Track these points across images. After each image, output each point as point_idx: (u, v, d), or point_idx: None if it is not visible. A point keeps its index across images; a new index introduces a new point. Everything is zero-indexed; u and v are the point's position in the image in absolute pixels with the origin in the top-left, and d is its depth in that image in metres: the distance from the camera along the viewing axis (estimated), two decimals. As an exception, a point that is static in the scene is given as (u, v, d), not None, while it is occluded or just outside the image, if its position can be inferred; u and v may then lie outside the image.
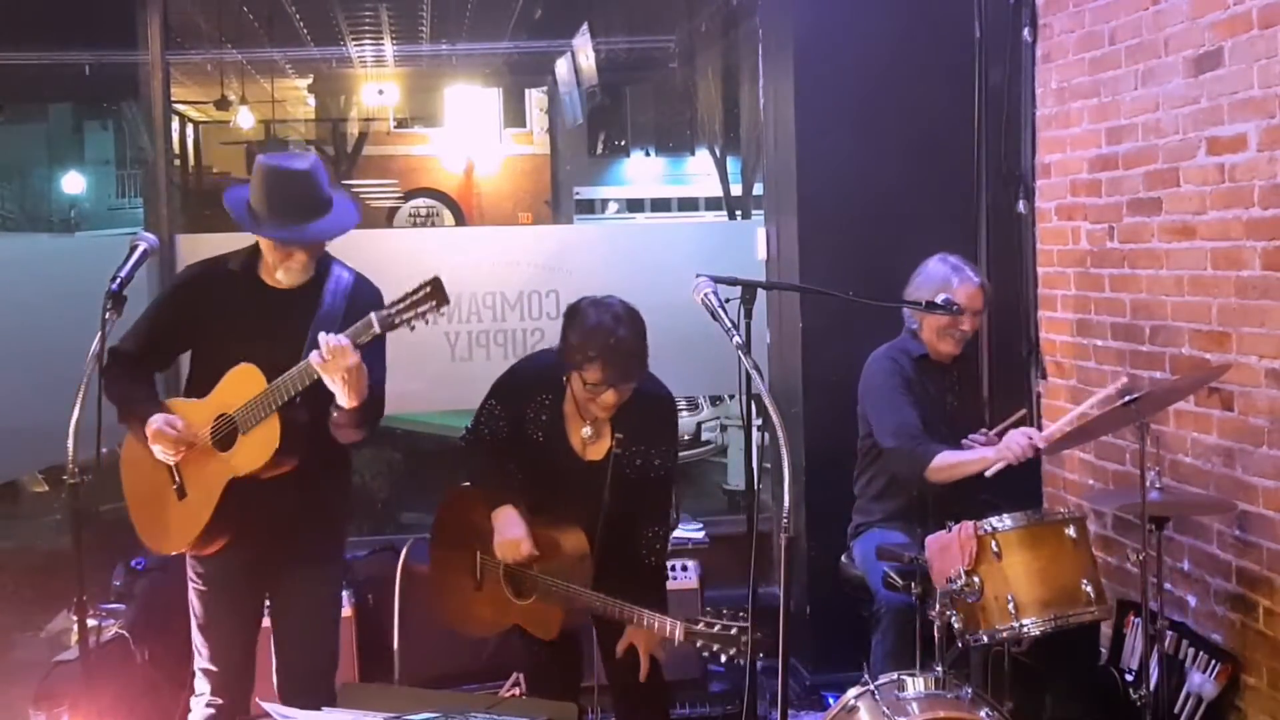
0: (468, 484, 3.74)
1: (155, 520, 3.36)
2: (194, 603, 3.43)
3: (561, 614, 3.51)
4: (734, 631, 3.22)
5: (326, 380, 3.07)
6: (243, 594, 3.42)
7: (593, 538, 3.49)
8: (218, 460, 3.24)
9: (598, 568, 3.48)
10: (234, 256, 3.40)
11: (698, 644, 3.24)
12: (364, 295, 3.33)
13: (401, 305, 3.06)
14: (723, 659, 3.25)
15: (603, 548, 3.49)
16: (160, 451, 3.24)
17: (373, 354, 3.24)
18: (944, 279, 3.98)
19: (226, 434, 3.24)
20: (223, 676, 3.42)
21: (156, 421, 3.23)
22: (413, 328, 3.08)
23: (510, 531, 3.49)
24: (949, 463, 3.81)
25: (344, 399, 3.11)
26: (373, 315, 3.07)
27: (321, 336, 3.06)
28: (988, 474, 3.74)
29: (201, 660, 3.44)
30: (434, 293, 3.05)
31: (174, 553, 3.39)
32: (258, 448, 3.18)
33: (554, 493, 3.56)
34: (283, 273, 3.31)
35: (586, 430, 3.54)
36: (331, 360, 3.04)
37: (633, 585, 3.49)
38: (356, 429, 3.25)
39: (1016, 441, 3.72)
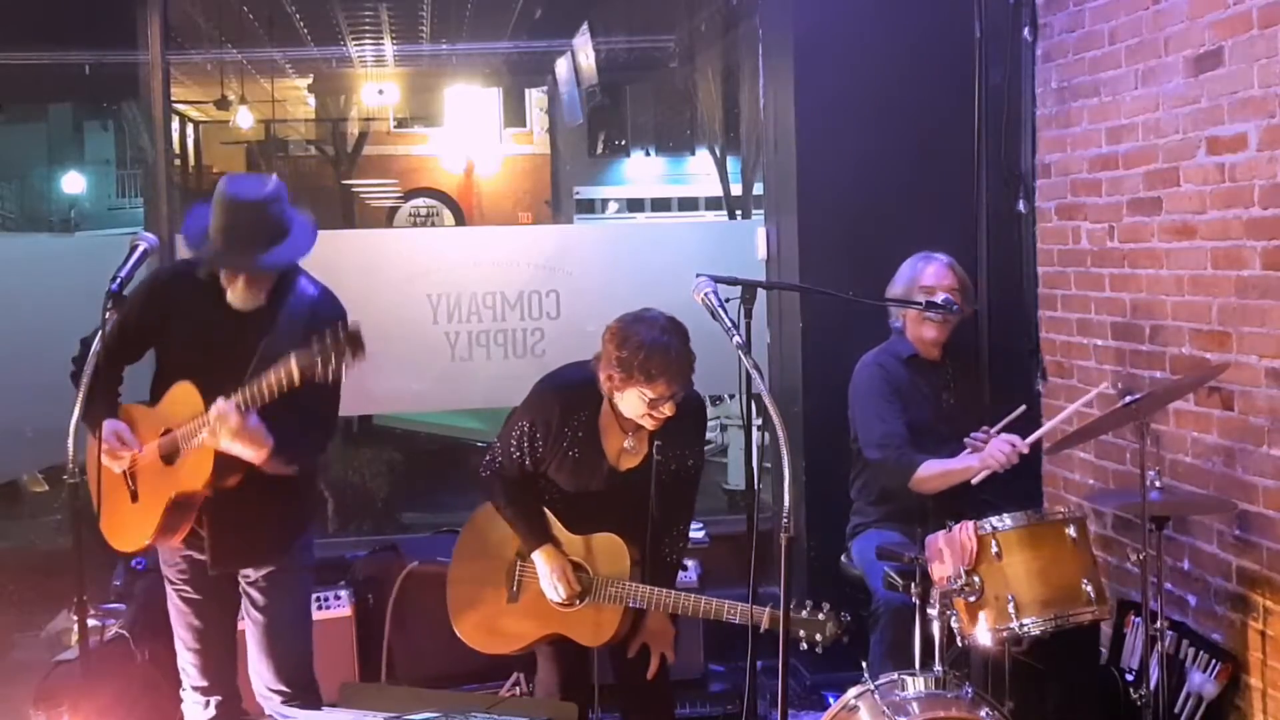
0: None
1: (113, 518, 3.42)
2: (173, 600, 3.51)
3: (619, 616, 3.52)
4: (820, 617, 3.35)
5: (223, 447, 3.14)
6: (219, 584, 3.48)
7: (643, 545, 3.53)
8: (164, 472, 3.30)
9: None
10: (206, 268, 3.43)
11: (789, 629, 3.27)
12: (325, 314, 3.35)
13: (319, 354, 3.03)
14: (804, 646, 3.35)
15: (637, 532, 3.53)
16: (106, 460, 3.30)
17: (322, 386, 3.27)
18: (912, 270, 4.07)
19: (171, 449, 3.30)
20: (205, 669, 3.50)
21: (107, 431, 3.29)
22: (331, 376, 3.05)
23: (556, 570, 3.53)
24: (933, 473, 3.84)
25: (249, 457, 3.17)
26: (292, 359, 3.05)
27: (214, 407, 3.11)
28: (973, 482, 3.76)
29: (183, 655, 3.52)
30: (352, 344, 3.01)
31: (131, 550, 3.47)
32: (195, 469, 3.25)
33: (590, 505, 3.57)
34: (231, 294, 3.34)
35: (629, 442, 3.55)
36: (216, 426, 3.10)
37: (648, 581, 3.54)
38: (285, 468, 3.29)
39: (999, 449, 3.75)
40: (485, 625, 3.67)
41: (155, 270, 3.59)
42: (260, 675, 3.50)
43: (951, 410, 4.07)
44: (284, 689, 3.47)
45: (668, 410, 3.41)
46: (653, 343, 3.34)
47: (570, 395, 3.54)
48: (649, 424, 3.46)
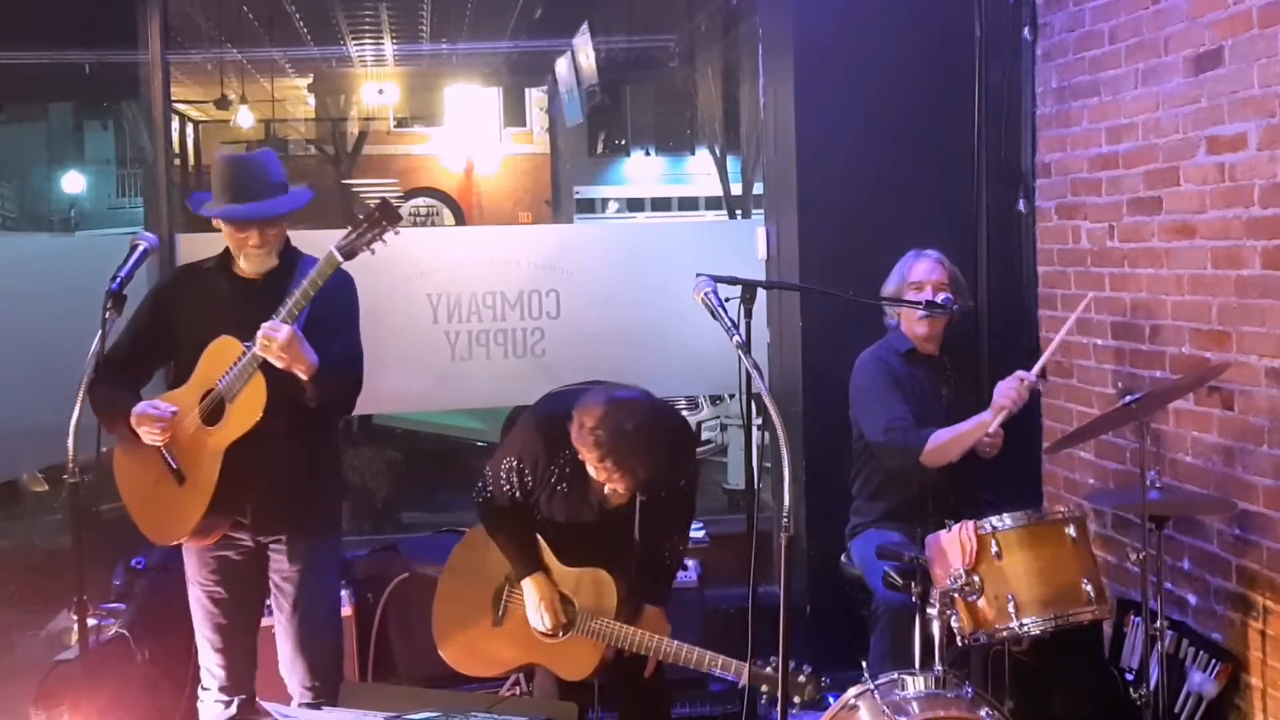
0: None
1: (157, 512, 3.40)
2: (200, 600, 3.50)
3: (601, 653, 3.52)
4: (801, 679, 3.32)
5: (274, 362, 3.19)
6: (247, 585, 3.49)
7: (627, 580, 3.52)
8: (211, 435, 3.30)
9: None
10: (210, 259, 3.51)
11: (763, 688, 3.29)
12: (333, 279, 3.38)
13: (356, 234, 3.18)
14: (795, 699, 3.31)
15: (627, 565, 3.53)
16: (147, 434, 3.29)
17: (343, 331, 3.39)
18: (902, 268, 4.09)
19: (215, 408, 3.30)
20: (230, 670, 3.51)
21: (140, 406, 3.29)
22: (373, 251, 3.20)
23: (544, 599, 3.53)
24: (944, 440, 3.82)
25: (299, 371, 3.23)
26: (332, 247, 3.19)
27: (263, 326, 3.17)
28: (991, 430, 3.75)
29: (208, 656, 3.51)
30: (385, 213, 3.17)
31: (179, 541, 3.43)
32: (248, 407, 3.25)
33: (581, 537, 3.56)
34: (244, 259, 3.38)
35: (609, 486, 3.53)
36: (266, 343, 3.16)
37: (641, 579, 3.54)
38: (320, 400, 3.32)
39: (1010, 386, 3.75)
40: (466, 646, 3.68)
41: (156, 283, 3.61)
42: (294, 673, 3.50)
43: (949, 404, 4.07)
44: (317, 684, 3.49)
45: (621, 490, 3.40)
46: (621, 439, 3.28)
47: (554, 432, 3.48)
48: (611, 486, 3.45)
